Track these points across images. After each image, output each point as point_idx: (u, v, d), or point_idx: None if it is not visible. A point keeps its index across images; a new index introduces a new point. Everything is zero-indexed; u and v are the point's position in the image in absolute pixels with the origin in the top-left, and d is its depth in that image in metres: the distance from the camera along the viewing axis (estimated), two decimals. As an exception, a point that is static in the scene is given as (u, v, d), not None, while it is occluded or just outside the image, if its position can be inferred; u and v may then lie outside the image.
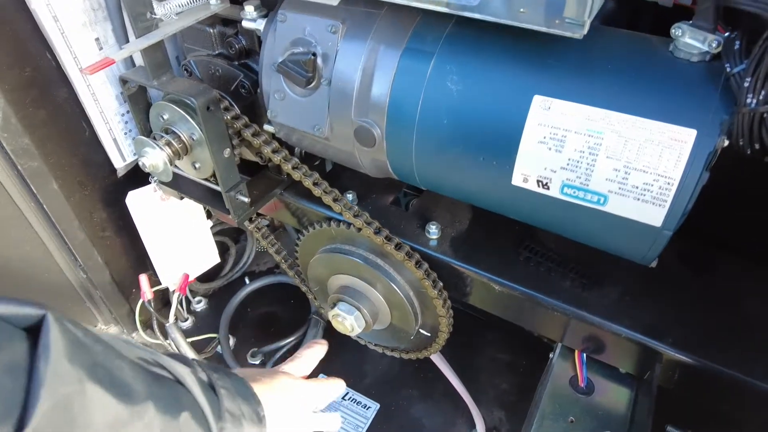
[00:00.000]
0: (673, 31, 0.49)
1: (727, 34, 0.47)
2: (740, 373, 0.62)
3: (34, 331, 0.35)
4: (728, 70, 0.45)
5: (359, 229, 0.75)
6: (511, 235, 0.79)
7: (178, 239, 1.01)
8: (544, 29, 0.46)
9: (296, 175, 0.75)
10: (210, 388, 0.47)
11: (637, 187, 0.49)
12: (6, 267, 0.97)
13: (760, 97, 0.42)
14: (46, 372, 0.33)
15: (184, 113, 0.73)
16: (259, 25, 0.68)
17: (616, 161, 0.49)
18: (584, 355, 0.75)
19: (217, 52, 0.82)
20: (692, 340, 0.66)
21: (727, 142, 0.47)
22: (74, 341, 0.36)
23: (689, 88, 0.48)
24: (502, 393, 1.08)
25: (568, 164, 0.51)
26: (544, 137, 0.52)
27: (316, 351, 0.78)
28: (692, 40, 0.49)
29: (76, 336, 0.37)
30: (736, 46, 0.45)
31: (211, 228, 1.14)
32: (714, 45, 0.47)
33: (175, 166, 0.81)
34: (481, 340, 1.17)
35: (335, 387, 0.74)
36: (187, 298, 1.16)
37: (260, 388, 0.55)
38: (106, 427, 0.36)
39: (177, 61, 0.95)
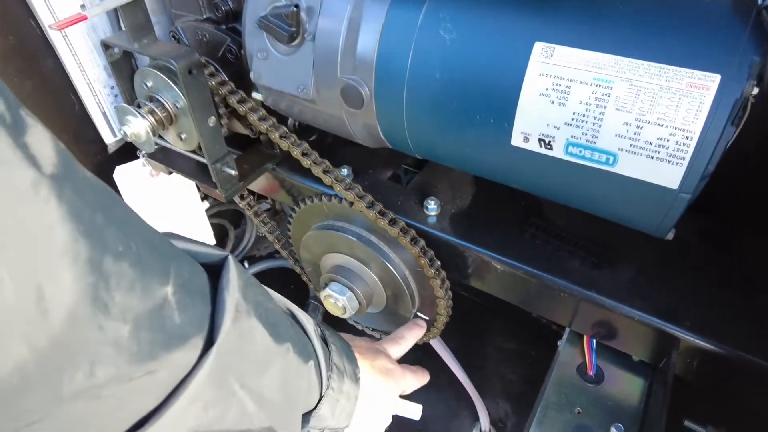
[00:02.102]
0: (695, -35, 0.43)
1: (757, -36, 0.41)
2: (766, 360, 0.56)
3: (210, 268, 0.41)
4: (760, 2, 0.39)
5: (351, 203, 0.70)
6: (516, 211, 0.74)
7: (170, 219, 0.98)
8: (544, -41, 0.40)
9: (284, 145, 0.71)
10: (323, 341, 0.53)
11: (650, 143, 0.43)
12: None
13: (798, 30, 0.36)
14: (229, 302, 0.39)
15: (167, 79, 0.69)
16: (243, -20, 0.63)
17: (626, 114, 0.43)
18: (594, 341, 0.70)
19: (204, 16, 0.77)
20: (713, 324, 0.60)
21: (756, 90, 0.41)
22: (246, 281, 0.42)
23: (711, 26, 0.42)
24: (508, 384, 1.03)
25: (572, 119, 0.46)
26: (546, 89, 0.46)
27: (416, 334, 0.77)
28: (717, -25, 0.43)
29: (247, 276, 0.43)
30: (769, -25, 0.39)
31: (208, 210, 1.10)
32: (742, -23, 0.41)
33: (160, 136, 0.77)
34: (487, 328, 1.12)
35: (423, 377, 0.74)
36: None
37: (362, 362, 0.60)
38: (261, 355, 0.42)
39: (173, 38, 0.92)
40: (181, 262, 0.37)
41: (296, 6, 0.55)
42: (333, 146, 0.87)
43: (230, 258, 0.42)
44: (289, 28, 0.56)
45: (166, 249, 0.37)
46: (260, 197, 1.20)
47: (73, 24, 0.57)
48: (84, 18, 0.58)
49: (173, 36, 0.81)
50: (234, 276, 0.40)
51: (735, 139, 0.47)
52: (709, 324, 0.60)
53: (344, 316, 0.78)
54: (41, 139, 0.29)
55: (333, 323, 0.85)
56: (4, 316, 0.26)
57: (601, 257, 0.67)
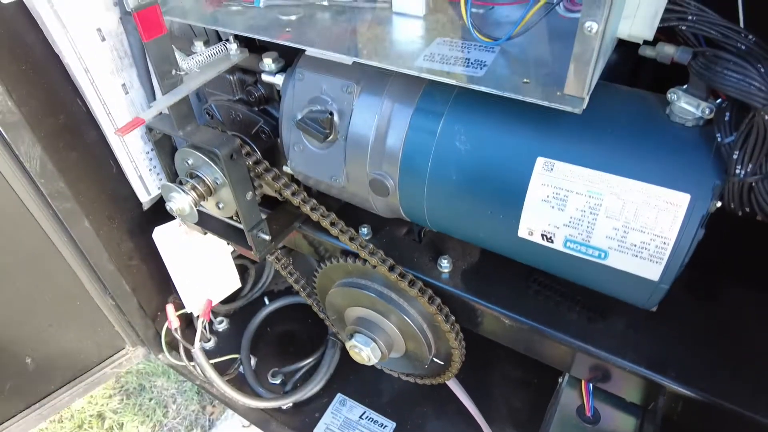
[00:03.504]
0: (669, 95, 0.52)
1: (719, 101, 0.50)
2: (743, 408, 0.64)
3: None
4: (719, 139, 0.48)
5: (374, 266, 0.79)
6: (521, 267, 0.82)
7: (202, 268, 1.06)
8: (545, 103, 0.49)
9: (314, 216, 0.80)
10: None
11: (635, 245, 0.52)
12: (41, 297, 1.03)
13: (748, 170, 0.45)
14: None
15: (208, 160, 0.77)
16: (278, 80, 0.72)
17: (615, 221, 0.53)
18: (591, 384, 0.79)
19: (237, 97, 0.86)
20: (696, 373, 0.68)
21: (719, 204, 0.50)
22: None
23: (683, 153, 0.51)
24: (514, 411, 1.12)
25: (570, 221, 0.55)
26: (548, 196, 0.55)
27: None
28: (687, 106, 0.52)
29: None
30: (726, 117, 0.48)
31: (232, 252, 1.19)
32: (707, 112, 0.50)
33: (200, 206, 0.86)
34: (493, 356, 1.20)
35: None
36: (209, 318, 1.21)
37: None
38: None
39: (197, 97, 1.00)
40: None
41: (330, 113, 0.64)
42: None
43: None
44: (323, 130, 0.64)
45: None
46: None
47: (133, 129, 0.66)
48: (142, 122, 0.67)
49: (207, 113, 0.90)
50: None
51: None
52: (693, 373, 0.68)
53: (368, 364, 0.87)
54: None
55: (355, 363, 0.94)
56: None
57: (596, 311, 0.76)
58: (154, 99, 0.93)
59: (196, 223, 0.93)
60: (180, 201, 0.79)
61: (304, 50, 0.63)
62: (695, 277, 0.79)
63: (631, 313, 0.75)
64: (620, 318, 0.75)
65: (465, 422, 1.08)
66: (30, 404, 1.11)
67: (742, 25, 0.51)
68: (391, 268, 0.79)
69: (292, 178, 0.82)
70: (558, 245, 0.57)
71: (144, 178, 1.01)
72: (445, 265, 0.82)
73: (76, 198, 0.93)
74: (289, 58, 0.75)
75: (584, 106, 0.48)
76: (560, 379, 0.88)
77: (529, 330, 0.76)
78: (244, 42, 0.80)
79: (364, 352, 0.84)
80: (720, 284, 0.80)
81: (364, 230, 0.88)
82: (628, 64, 0.68)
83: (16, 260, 0.96)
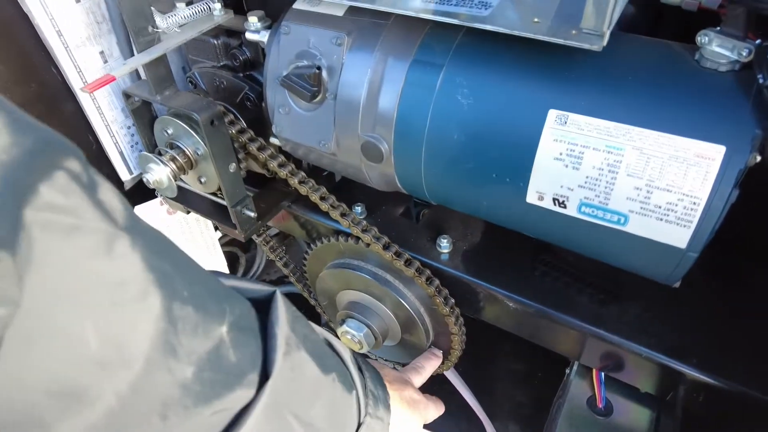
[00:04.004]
0: (699, 38, 0.46)
1: (759, 41, 0.44)
2: (770, 396, 0.59)
3: (257, 303, 0.42)
4: (761, 81, 0.42)
5: (368, 245, 0.73)
6: (527, 247, 0.76)
7: (187, 252, 1.00)
8: (560, 41, 0.43)
9: (303, 190, 0.73)
10: (359, 370, 0.54)
11: (660, 207, 0.46)
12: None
13: (796, 112, 0.39)
14: (280, 337, 0.40)
15: (188, 128, 0.71)
16: (263, 37, 0.66)
17: (637, 179, 0.46)
18: (602, 374, 0.72)
19: (221, 63, 0.80)
20: (719, 361, 0.62)
21: (759, 158, 0.44)
22: (294, 314, 0.44)
23: (717, 101, 0.44)
24: (517, 406, 1.05)
25: (586, 182, 0.49)
26: (561, 153, 0.49)
27: (434, 364, 0.79)
28: (720, 48, 0.45)
29: (294, 310, 0.45)
30: (769, 56, 0.42)
31: (220, 239, 1.12)
32: (744, 53, 0.44)
33: (181, 180, 0.79)
34: (496, 349, 1.14)
35: (441, 408, 0.76)
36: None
37: (391, 391, 0.60)
38: (311, 387, 0.43)
39: (183, 71, 0.94)
40: (233, 301, 0.39)
41: (318, 68, 0.58)
42: (346, 180, 0.89)
43: (278, 293, 0.44)
44: (311, 88, 0.58)
45: (220, 290, 0.38)
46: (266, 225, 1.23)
47: (103, 86, 0.60)
48: (113, 79, 0.61)
49: (190, 81, 0.84)
50: (282, 310, 0.42)
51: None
52: (716, 360, 0.62)
53: (361, 351, 0.80)
54: (111, 195, 0.31)
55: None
56: (91, 366, 0.28)
57: (609, 293, 0.70)
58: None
59: (178, 201, 0.87)
60: (158, 172, 0.73)
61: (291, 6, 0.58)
62: (716, 257, 0.74)
63: (647, 296, 0.70)
64: (635, 300, 0.69)
65: (466, 417, 1.02)
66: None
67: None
68: (386, 247, 0.72)
69: (280, 150, 0.76)
70: (572, 210, 0.51)
71: (125, 154, 0.95)
72: (444, 245, 0.76)
73: (51, 174, 0.87)
74: (275, 17, 0.69)
75: (604, 43, 0.42)
76: (567, 371, 0.82)
77: (535, 314, 0.70)
78: (229, 3, 0.74)
79: (357, 338, 0.78)
80: (743, 268, 0.74)
81: (358, 209, 0.82)
82: (647, 19, 0.61)
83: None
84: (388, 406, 0.57)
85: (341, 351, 0.52)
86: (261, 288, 0.45)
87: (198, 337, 0.33)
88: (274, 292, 0.44)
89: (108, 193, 0.31)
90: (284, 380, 0.39)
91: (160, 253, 0.32)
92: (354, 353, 0.57)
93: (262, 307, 0.42)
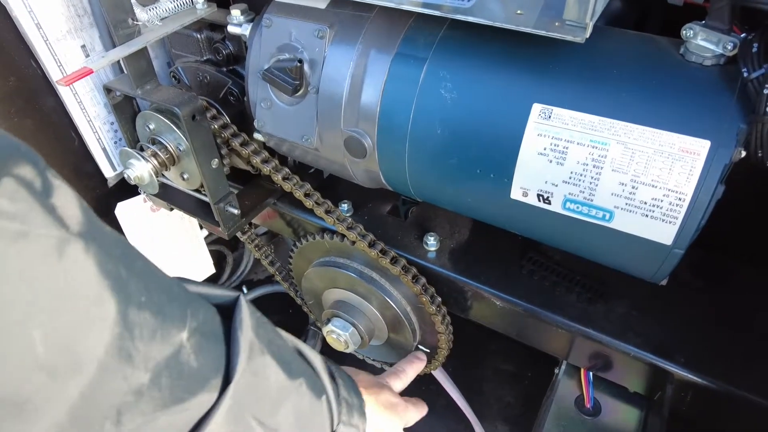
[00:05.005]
0: (684, 32, 0.46)
1: (743, 35, 0.43)
2: (759, 396, 0.58)
3: (222, 309, 0.42)
4: (745, 75, 0.41)
5: (353, 242, 0.72)
6: (514, 246, 0.76)
7: (171, 250, 0.99)
8: (542, 33, 0.42)
9: (287, 186, 0.72)
10: (331, 376, 0.53)
11: (645, 203, 0.45)
12: None
13: (782, 106, 0.38)
14: (243, 341, 0.40)
15: (169, 123, 0.70)
16: (245, 30, 0.65)
17: (622, 175, 0.46)
18: (590, 373, 0.72)
19: (205, 58, 0.79)
20: (706, 360, 0.62)
21: (744, 153, 0.43)
22: (258, 319, 0.44)
23: (702, 95, 0.44)
24: (506, 406, 1.05)
25: (570, 177, 0.48)
26: (545, 148, 0.48)
27: (417, 367, 0.77)
28: (705, 42, 0.45)
29: (258, 315, 0.44)
30: (754, 49, 0.41)
31: (207, 237, 1.11)
32: (729, 47, 0.44)
33: (163, 176, 0.78)
34: (484, 350, 1.13)
35: (423, 409, 0.75)
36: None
37: (367, 396, 0.60)
38: (276, 392, 0.43)
39: (168, 67, 0.93)
40: (196, 306, 0.38)
41: (300, 61, 0.57)
42: (333, 178, 0.88)
43: (242, 298, 0.44)
44: (292, 81, 0.57)
45: (182, 295, 0.38)
46: (251, 223, 1.21)
47: (79, 78, 0.58)
48: (90, 72, 0.59)
49: (174, 76, 0.82)
50: (246, 315, 0.42)
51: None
52: (703, 359, 0.62)
53: (347, 351, 0.79)
54: (67, 200, 0.30)
55: (334, 353, 0.87)
56: (37, 374, 0.27)
57: (596, 292, 0.69)
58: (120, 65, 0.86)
59: (161, 198, 0.86)
60: (139, 168, 0.72)
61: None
62: (704, 260, 0.73)
63: (635, 295, 0.69)
64: (623, 299, 0.69)
65: (454, 418, 1.01)
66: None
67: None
68: (372, 244, 0.71)
69: (264, 146, 0.75)
70: (556, 206, 0.50)
71: (108, 150, 0.93)
72: (431, 243, 0.75)
73: (31, 170, 0.85)
74: (258, 10, 0.68)
75: (587, 35, 0.41)
76: (556, 370, 0.81)
77: (523, 313, 0.69)
78: (212, -4, 0.73)
79: (343, 337, 0.76)
80: (729, 268, 0.74)
81: (344, 206, 0.80)
82: (633, 14, 0.61)
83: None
84: (363, 413, 0.56)
85: (311, 358, 0.52)
86: (225, 293, 0.44)
87: (156, 343, 0.33)
88: (237, 297, 0.44)
89: (63, 198, 0.30)
90: (247, 384, 0.39)
91: (118, 258, 0.32)
92: (326, 360, 0.56)
93: (229, 313, 0.42)
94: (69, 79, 0.57)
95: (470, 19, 0.45)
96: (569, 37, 0.41)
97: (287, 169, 0.73)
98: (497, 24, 0.44)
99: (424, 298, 0.71)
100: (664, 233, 0.46)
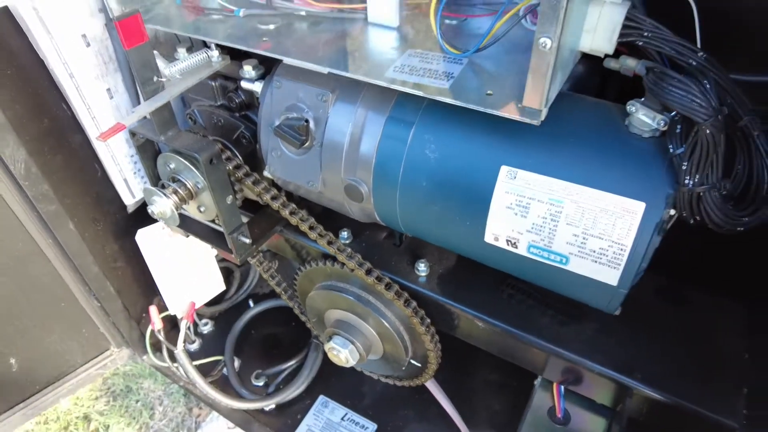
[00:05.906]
0: (628, 107, 0.55)
1: (673, 113, 0.52)
2: (706, 410, 0.66)
3: None
4: (671, 150, 0.50)
5: (352, 270, 0.81)
6: (496, 272, 0.84)
7: (186, 271, 1.08)
8: (505, 115, 0.51)
9: (293, 220, 0.81)
10: None
11: (594, 251, 0.54)
12: (27, 299, 1.04)
13: (696, 180, 0.47)
14: None
15: (189, 164, 0.79)
16: (257, 87, 0.74)
17: (575, 228, 0.55)
18: (562, 387, 0.80)
19: (219, 103, 0.88)
20: (662, 376, 0.70)
21: (673, 212, 0.52)
22: None
23: (640, 164, 0.53)
24: (494, 414, 1.13)
25: (532, 228, 0.57)
26: (511, 203, 0.57)
27: None
28: (644, 117, 0.54)
29: None
30: (678, 130, 0.50)
31: (217, 255, 1.20)
32: (662, 124, 0.53)
33: (182, 209, 0.87)
34: (473, 361, 1.22)
35: None
36: (194, 320, 1.22)
37: None
38: None
39: (182, 102, 1.02)
40: None
41: (306, 120, 0.66)
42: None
43: None
44: (300, 137, 0.66)
45: None
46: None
47: (114, 134, 0.67)
48: (123, 128, 0.68)
49: (190, 118, 0.91)
50: None
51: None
52: (659, 376, 0.70)
53: (346, 366, 0.88)
54: None
55: (335, 366, 0.96)
56: None
57: (568, 315, 0.78)
58: (139, 103, 0.95)
59: (179, 226, 0.95)
60: (161, 204, 0.80)
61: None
62: (664, 282, 0.82)
63: (601, 318, 0.77)
64: (591, 322, 0.77)
65: (446, 425, 1.09)
66: (13, 404, 1.12)
67: (699, 42, 0.54)
68: (368, 272, 0.80)
69: (272, 183, 0.84)
70: (522, 250, 0.59)
71: (128, 180, 1.02)
72: (422, 269, 0.83)
73: (61, 201, 0.94)
74: (268, 65, 0.77)
75: (542, 118, 0.50)
76: (535, 382, 0.90)
77: (502, 333, 0.78)
78: (226, 49, 0.82)
79: (342, 354, 0.85)
80: (688, 290, 0.82)
81: (344, 234, 0.89)
82: (596, 76, 0.70)
83: (0, 262, 0.97)
84: None
85: None
86: None
87: None
88: None
89: None
90: None
91: None
92: None
93: None
94: (106, 134, 0.66)
95: (444, 99, 0.54)
96: (527, 120, 0.50)
97: (294, 205, 0.82)
98: (467, 105, 0.52)
99: (415, 320, 0.80)
100: (611, 276, 0.55)
